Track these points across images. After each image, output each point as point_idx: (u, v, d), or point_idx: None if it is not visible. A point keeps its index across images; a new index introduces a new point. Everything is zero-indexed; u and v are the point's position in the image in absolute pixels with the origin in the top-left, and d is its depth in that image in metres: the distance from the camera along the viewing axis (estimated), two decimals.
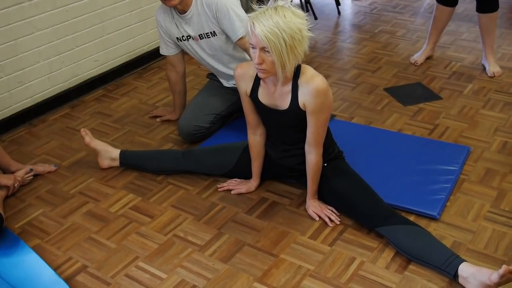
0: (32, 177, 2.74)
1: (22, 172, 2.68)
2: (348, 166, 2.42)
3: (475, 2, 3.51)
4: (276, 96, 2.23)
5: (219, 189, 2.60)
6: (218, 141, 2.87)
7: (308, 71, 2.17)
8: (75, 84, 3.59)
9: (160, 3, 2.78)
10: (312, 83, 2.12)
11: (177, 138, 3.05)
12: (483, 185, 2.54)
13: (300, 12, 2.05)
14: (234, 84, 2.43)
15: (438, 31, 3.74)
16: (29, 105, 3.34)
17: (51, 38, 3.35)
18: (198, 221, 2.41)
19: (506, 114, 3.12)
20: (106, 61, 3.76)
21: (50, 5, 3.28)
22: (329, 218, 2.34)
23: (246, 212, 2.45)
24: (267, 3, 2.05)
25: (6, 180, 2.58)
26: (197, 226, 2.39)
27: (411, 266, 2.10)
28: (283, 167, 2.49)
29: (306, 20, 2.06)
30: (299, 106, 2.18)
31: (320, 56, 4.01)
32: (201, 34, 2.79)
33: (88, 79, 3.66)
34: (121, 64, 3.86)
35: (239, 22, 2.67)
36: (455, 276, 1.98)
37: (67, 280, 2.12)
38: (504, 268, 1.82)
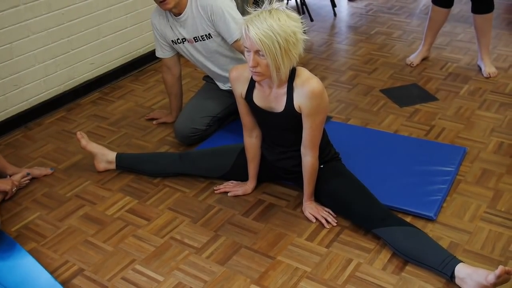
0: (28, 181, 2.73)
1: (18, 176, 2.68)
2: (345, 167, 2.42)
3: (470, 3, 3.52)
4: (271, 99, 2.23)
5: (215, 192, 2.60)
6: (214, 143, 2.87)
7: (303, 73, 2.17)
8: (71, 87, 3.58)
9: (155, 6, 2.78)
10: (308, 85, 2.12)
11: (174, 140, 3.05)
12: (479, 185, 2.55)
13: (295, 15, 2.05)
14: (230, 87, 2.42)
15: (434, 32, 3.75)
16: (25, 108, 3.33)
17: (47, 41, 3.34)
18: (194, 224, 2.41)
19: (502, 114, 3.13)
20: (102, 64, 3.76)
21: (45, 8, 3.28)
22: (326, 220, 2.34)
23: (242, 214, 2.45)
24: (263, 5, 2.05)
25: (4, 185, 2.57)
26: (193, 228, 2.38)
27: (408, 267, 2.10)
28: (280, 169, 2.49)
29: (301, 23, 2.06)
30: (294, 109, 2.18)
31: (316, 57, 4.02)
32: (196, 37, 2.79)
33: (84, 82, 3.66)
34: (117, 67, 3.86)
35: (235, 24, 2.66)
36: (452, 277, 1.98)
37: (63, 283, 2.11)
38: (500, 268, 1.83)
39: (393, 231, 2.14)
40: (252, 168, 2.52)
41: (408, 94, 3.40)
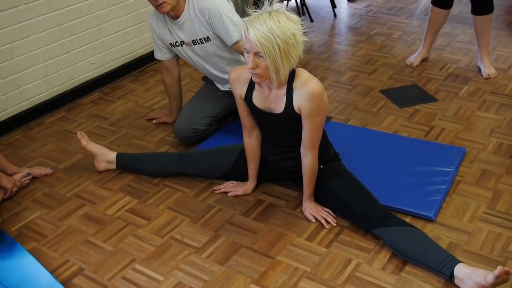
0: (29, 180, 2.74)
1: (19, 176, 2.68)
2: (344, 168, 2.43)
3: (470, 4, 3.53)
4: (271, 100, 2.23)
5: (215, 192, 2.60)
6: (214, 143, 2.88)
7: (303, 75, 2.17)
8: (72, 87, 3.59)
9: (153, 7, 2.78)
10: (307, 86, 2.13)
11: (174, 140, 3.05)
12: (478, 186, 2.55)
13: (294, 16, 2.05)
14: (230, 88, 2.42)
15: (434, 33, 3.75)
16: (26, 108, 3.34)
17: (48, 41, 3.35)
18: (194, 223, 2.42)
19: (501, 115, 3.13)
20: (102, 64, 3.77)
21: (46, 8, 3.28)
22: (326, 220, 2.35)
23: (242, 214, 2.45)
24: (263, 7, 2.05)
25: (7, 182, 2.58)
26: (193, 228, 2.39)
27: (407, 268, 2.10)
28: (279, 169, 2.50)
29: (301, 24, 2.06)
30: (294, 110, 2.18)
31: (316, 58, 4.02)
32: (194, 40, 2.78)
33: (85, 82, 3.66)
34: (117, 67, 3.86)
35: (233, 26, 2.65)
36: (451, 277, 1.98)
37: (63, 283, 2.11)
38: (499, 269, 1.83)
39: (393, 231, 2.15)
40: (252, 168, 2.53)
41: (407, 95, 3.41)
